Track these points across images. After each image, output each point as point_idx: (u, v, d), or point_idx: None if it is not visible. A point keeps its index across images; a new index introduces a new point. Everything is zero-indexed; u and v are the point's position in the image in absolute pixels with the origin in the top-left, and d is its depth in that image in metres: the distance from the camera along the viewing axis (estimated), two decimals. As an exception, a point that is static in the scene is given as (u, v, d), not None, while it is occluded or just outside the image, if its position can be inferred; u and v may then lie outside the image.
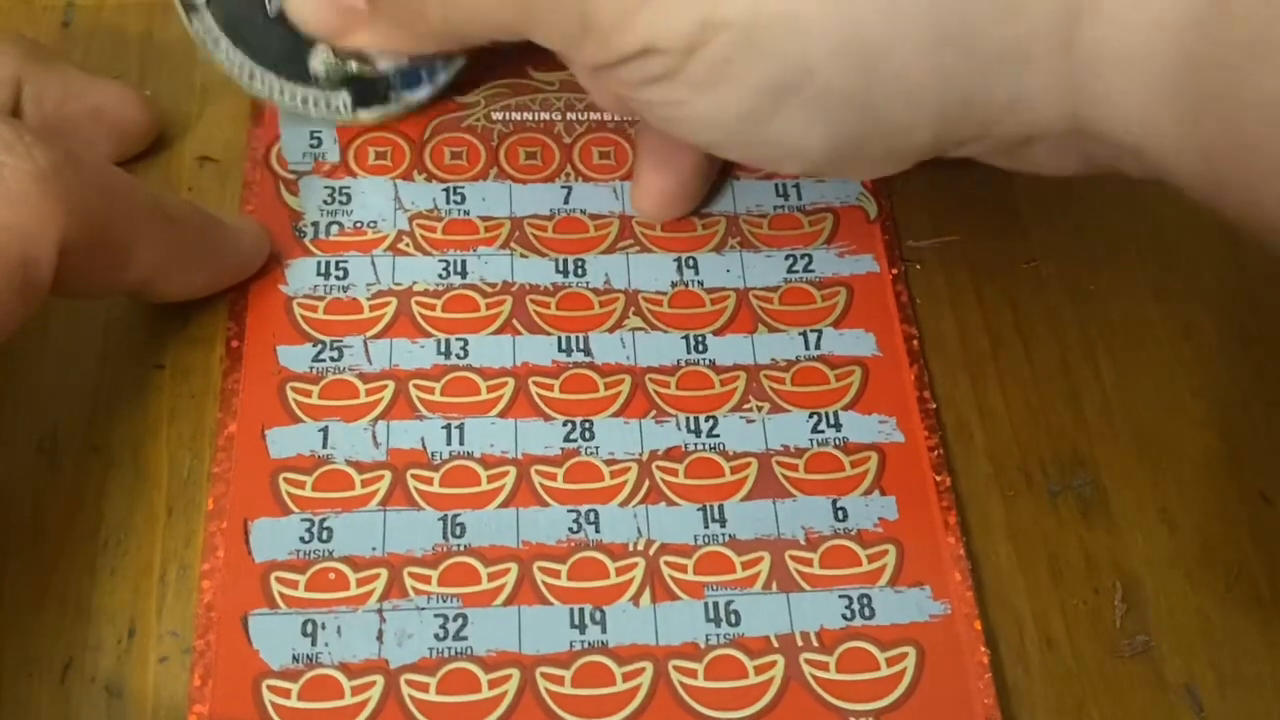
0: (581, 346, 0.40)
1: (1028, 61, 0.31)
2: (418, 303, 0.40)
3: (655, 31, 0.33)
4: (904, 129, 0.34)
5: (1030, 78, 0.32)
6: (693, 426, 0.39)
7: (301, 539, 0.36)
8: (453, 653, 0.35)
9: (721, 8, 0.32)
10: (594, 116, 0.45)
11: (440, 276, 0.41)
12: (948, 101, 0.33)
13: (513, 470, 0.38)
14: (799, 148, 0.35)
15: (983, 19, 0.31)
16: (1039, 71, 0.31)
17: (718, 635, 0.36)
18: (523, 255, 0.41)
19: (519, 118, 0.44)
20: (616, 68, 0.35)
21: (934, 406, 0.40)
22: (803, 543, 0.37)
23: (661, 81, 0.34)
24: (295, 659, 0.35)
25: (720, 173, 0.44)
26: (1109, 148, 0.32)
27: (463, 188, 0.43)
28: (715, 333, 0.41)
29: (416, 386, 0.39)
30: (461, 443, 0.38)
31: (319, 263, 0.41)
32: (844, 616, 0.36)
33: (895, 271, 0.42)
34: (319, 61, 0.42)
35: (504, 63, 0.45)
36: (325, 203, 0.42)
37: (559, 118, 0.45)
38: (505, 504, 0.37)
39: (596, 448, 0.38)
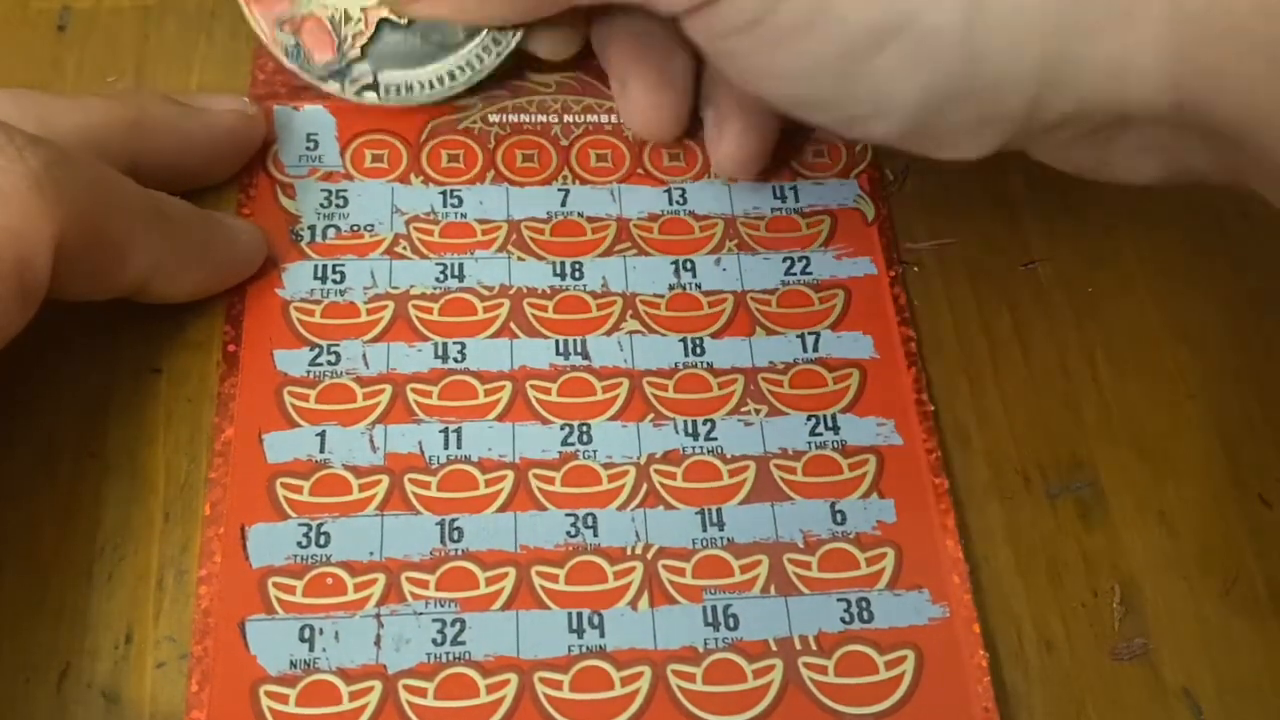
0: (579, 350, 0.40)
1: (1132, 19, 0.30)
2: (415, 306, 0.40)
3: None
4: (1002, 84, 0.32)
5: (1135, 38, 0.30)
6: (690, 430, 0.39)
7: (299, 544, 0.36)
8: (451, 658, 0.35)
9: None
10: (591, 119, 0.45)
11: (437, 280, 0.41)
12: (1049, 53, 0.31)
13: (510, 474, 0.38)
14: (892, 100, 0.34)
15: None
16: (1141, 33, 0.30)
17: (716, 639, 0.36)
18: (520, 258, 0.41)
19: (516, 120, 0.44)
20: (705, 11, 0.34)
21: (932, 409, 0.40)
22: (801, 546, 0.37)
23: (752, 27, 0.34)
24: (293, 664, 0.35)
25: (717, 175, 0.44)
26: (1207, 140, 0.31)
27: (460, 191, 0.42)
28: (713, 335, 0.41)
29: (414, 390, 0.39)
30: (459, 446, 0.38)
31: (316, 266, 0.41)
32: (842, 620, 0.36)
33: (893, 274, 0.42)
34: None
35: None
36: (322, 206, 0.42)
37: (556, 120, 0.45)
38: (503, 508, 0.37)
39: (594, 451, 0.38)
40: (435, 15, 0.40)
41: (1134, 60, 0.31)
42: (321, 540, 0.36)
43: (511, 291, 0.41)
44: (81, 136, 0.36)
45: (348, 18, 0.42)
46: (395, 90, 0.43)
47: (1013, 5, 0.31)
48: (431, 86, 0.43)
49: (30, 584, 0.35)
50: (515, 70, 0.45)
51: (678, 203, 0.43)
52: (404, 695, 0.34)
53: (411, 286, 0.41)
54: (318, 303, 0.40)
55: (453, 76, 0.43)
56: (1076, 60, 0.31)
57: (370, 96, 0.43)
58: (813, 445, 0.39)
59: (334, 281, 0.40)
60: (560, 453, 0.38)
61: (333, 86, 0.43)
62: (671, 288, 0.41)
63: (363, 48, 0.42)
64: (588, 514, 0.37)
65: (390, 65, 0.43)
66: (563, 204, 0.43)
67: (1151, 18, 0.30)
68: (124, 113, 0.38)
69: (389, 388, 0.39)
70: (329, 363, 0.39)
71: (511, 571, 0.36)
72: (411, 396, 0.39)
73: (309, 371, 0.39)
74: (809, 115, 0.37)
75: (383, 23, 0.42)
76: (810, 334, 0.41)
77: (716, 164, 0.43)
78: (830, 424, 0.40)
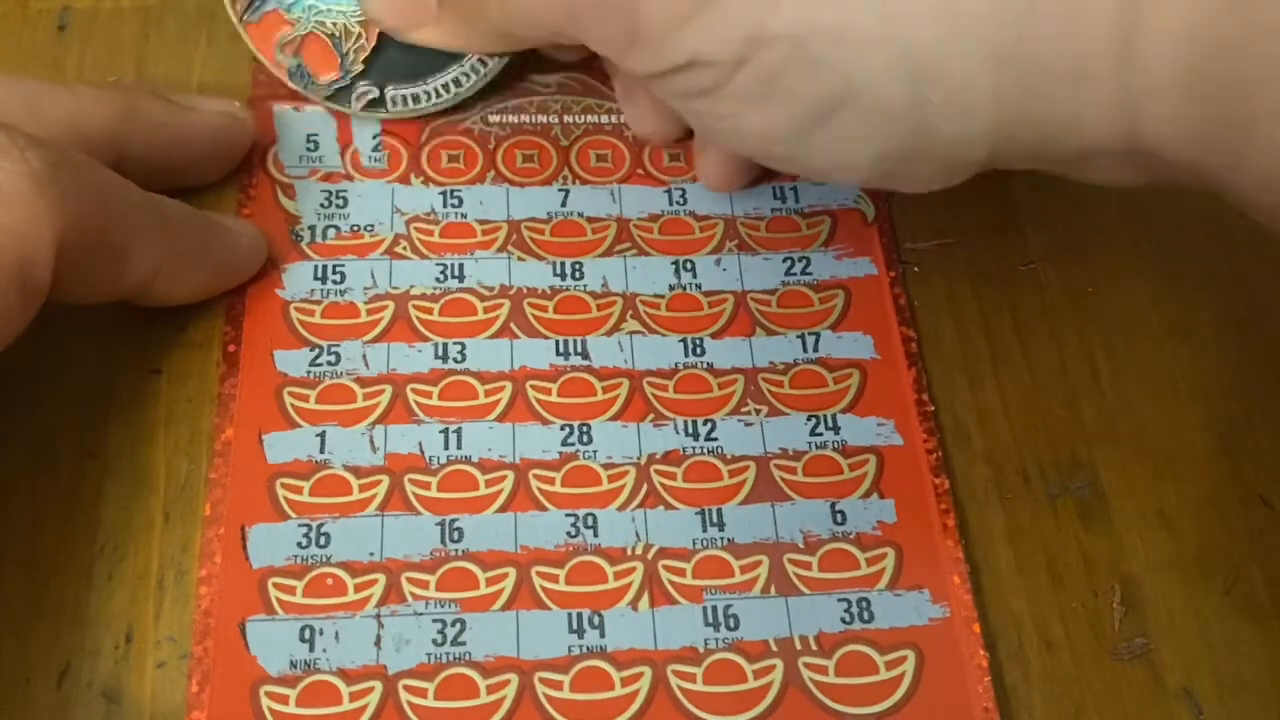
0: (579, 350, 0.40)
1: (1084, 80, 0.31)
2: (415, 306, 0.40)
3: (703, 44, 0.33)
4: (957, 145, 0.33)
5: (1087, 96, 0.31)
6: (691, 430, 0.39)
7: (299, 544, 0.36)
8: (451, 658, 0.35)
9: (771, 22, 0.32)
10: (591, 119, 0.45)
11: (437, 280, 0.41)
12: (1005, 119, 0.32)
13: (511, 474, 0.38)
14: (847, 161, 0.35)
15: (1039, 36, 0.30)
16: (1096, 90, 0.31)
17: (716, 639, 0.36)
18: (520, 258, 0.41)
19: (516, 120, 0.44)
20: (663, 78, 0.35)
21: (932, 409, 0.40)
22: (801, 546, 0.37)
23: (709, 94, 0.35)
24: (293, 665, 0.35)
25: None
26: (1168, 166, 0.32)
27: (460, 191, 0.42)
28: (713, 336, 0.41)
29: (414, 391, 0.39)
30: (459, 447, 0.38)
31: (316, 267, 0.41)
32: (843, 620, 0.36)
33: (893, 274, 0.42)
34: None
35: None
36: (322, 206, 0.42)
37: (556, 120, 0.45)
38: (503, 508, 0.37)
39: (594, 451, 0.38)
40: (429, 44, 0.41)
41: (1087, 115, 0.31)
42: (322, 541, 0.36)
43: (511, 291, 0.41)
44: (70, 123, 0.36)
45: (348, 33, 0.42)
46: (402, 101, 0.43)
47: (961, 77, 0.32)
48: (438, 95, 0.43)
49: (30, 584, 0.35)
50: (517, 70, 0.45)
51: (678, 203, 0.43)
52: (404, 695, 0.34)
53: (411, 287, 0.40)
54: (318, 303, 0.40)
55: (458, 84, 0.43)
56: (1031, 119, 0.32)
57: (377, 111, 0.43)
58: (813, 445, 0.39)
59: (334, 282, 0.40)
60: (560, 453, 0.38)
61: (339, 104, 0.43)
62: (672, 288, 0.41)
63: (365, 61, 0.42)
64: (588, 514, 0.37)
65: (395, 78, 0.43)
66: (563, 204, 0.43)
67: (1102, 77, 0.30)
68: (114, 103, 0.38)
69: (389, 388, 0.39)
70: (329, 363, 0.39)
71: (512, 572, 0.36)
72: (412, 397, 0.39)
73: (309, 372, 0.39)
74: (774, 167, 0.39)
75: (384, 36, 0.42)
76: (810, 334, 0.41)
77: (701, 178, 0.43)
78: (830, 424, 0.40)
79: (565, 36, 0.37)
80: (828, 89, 0.33)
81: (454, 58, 0.43)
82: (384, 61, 0.42)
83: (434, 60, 0.42)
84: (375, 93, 0.43)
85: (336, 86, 0.42)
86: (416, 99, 0.43)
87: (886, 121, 0.33)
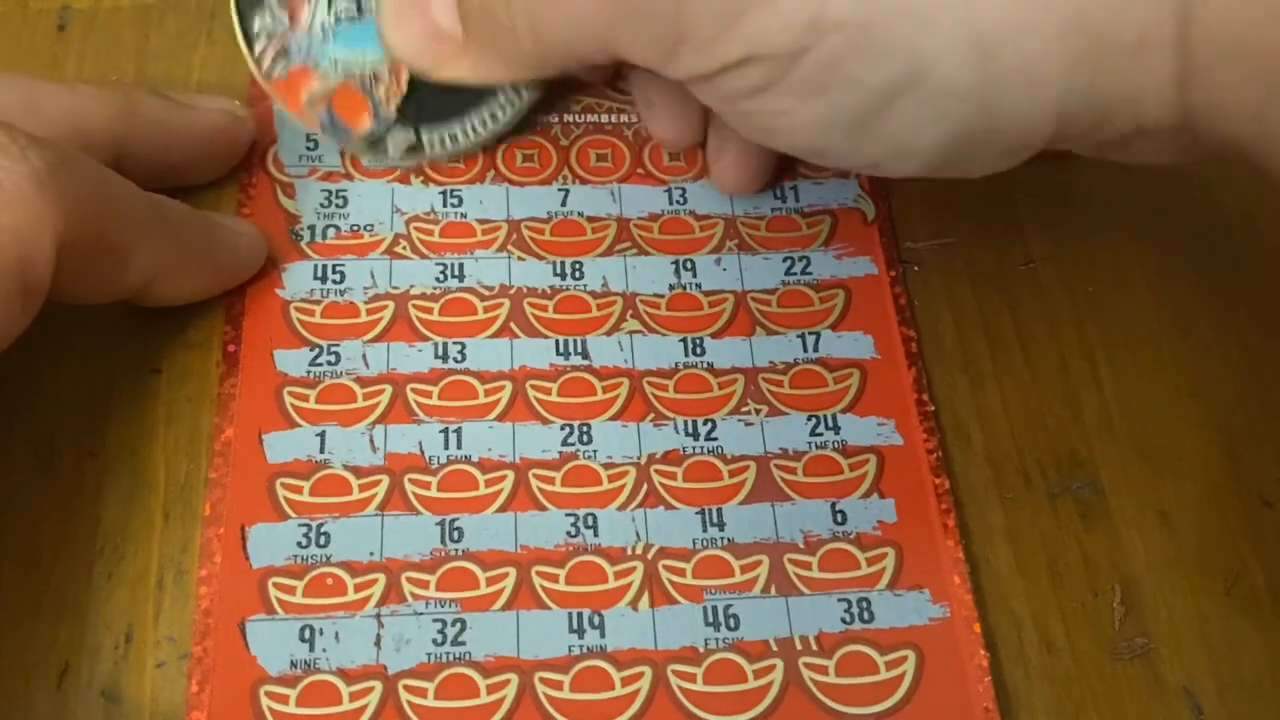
0: (579, 350, 0.40)
1: (1145, 52, 0.30)
2: (415, 306, 0.40)
3: (759, 38, 0.32)
4: (1022, 123, 0.33)
5: (1148, 69, 0.31)
6: (691, 430, 0.39)
7: (299, 544, 0.36)
8: (451, 658, 0.35)
9: (831, 7, 0.31)
10: (590, 119, 0.45)
11: (437, 280, 0.41)
12: (1070, 94, 0.32)
13: (511, 474, 0.38)
14: (910, 148, 0.34)
15: (1103, 7, 0.30)
16: (1156, 63, 0.30)
17: (716, 639, 0.36)
18: (520, 258, 0.41)
19: (516, 120, 0.44)
20: (714, 79, 0.34)
21: (932, 409, 0.40)
22: (801, 546, 0.37)
23: (762, 91, 0.34)
24: (293, 665, 0.35)
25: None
26: (1217, 141, 0.32)
27: (460, 190, 0.42)
28: (713, 335, 0.41)
29: (414, 390, 0.39)
30: (459, 446, 0.38)
31: (316, 266, 0.41)
32: (843, 620, 0.36)
33: (893, 274, 0.42)
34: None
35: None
36: (322, 205, 0.42)
37: (555, 120, 0.44)
38: (503, 508, 0.37)
39: (594, 451, 0.38)
40: (460, 79, 0.40)
41: (1147, 89, 0.31)
42: (322, 540, 0.36)
43: (511, 291, 0.41)
44: (70, 122, 0.36)
45: (377, 79, 0.42)
46: (440, 143, 0.42)
47: (1027, 52, 0.31)
48: (475, 132, 0.42)
49: (30, 583, 0.35)
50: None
51: (678, 202, 0.43)
52: (404, 695, 0.34)
53: (411, 286, 0.40)
54: (318, 303, 0.40)
55: (495, 118, 0.42)
56: (1093, 94, 0.32)
57: (417, 156, 0.43)
58: (813, 445, 0.39)
59: (334, 281, 0.40)
60: (560, 453, 0.38)
61: (376, 154, 0.42)
62: (672, 287, 0.41)
63: (399, 107, 0.42)
64: (588, 514, 0.37)
65: (430, 119, 0.42)
66: (563, 204, 0.43)
67: (1163, 51, 0.30)
68: (113, 102, 0.38)
69: (389, 388, 0.39)
70: (329, 363, 0.39)
71: (512, 571, 0.36)
72: (411, 396, 0.39)
73: (309, 371, 0.39)
74: (824, 163, 0.38)
75: (415, 79, 0.41)
76: (810, 334, 0.41)
77: (715, 181, 0.43)
78: (831, 424, 0.39)
79: (603, 48, 0.36)
80: (893, 72, 0.32)
81: (488, 92, 0.42)
82: (417, 104, 0.42)
83: (468, 97, 0.42)
84: (412, 138, 0.42)
85: (372, 136, 0.42)
86: (454, 139, 0.42)
87: (953, 102, 0.32)
